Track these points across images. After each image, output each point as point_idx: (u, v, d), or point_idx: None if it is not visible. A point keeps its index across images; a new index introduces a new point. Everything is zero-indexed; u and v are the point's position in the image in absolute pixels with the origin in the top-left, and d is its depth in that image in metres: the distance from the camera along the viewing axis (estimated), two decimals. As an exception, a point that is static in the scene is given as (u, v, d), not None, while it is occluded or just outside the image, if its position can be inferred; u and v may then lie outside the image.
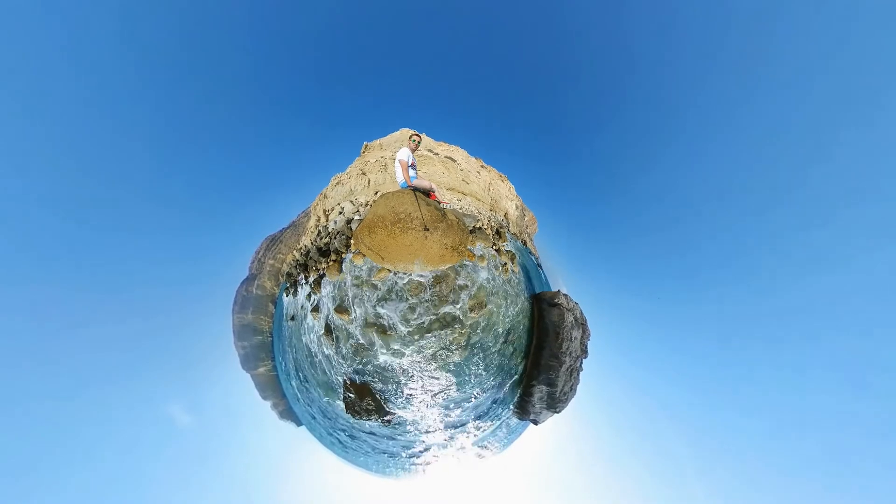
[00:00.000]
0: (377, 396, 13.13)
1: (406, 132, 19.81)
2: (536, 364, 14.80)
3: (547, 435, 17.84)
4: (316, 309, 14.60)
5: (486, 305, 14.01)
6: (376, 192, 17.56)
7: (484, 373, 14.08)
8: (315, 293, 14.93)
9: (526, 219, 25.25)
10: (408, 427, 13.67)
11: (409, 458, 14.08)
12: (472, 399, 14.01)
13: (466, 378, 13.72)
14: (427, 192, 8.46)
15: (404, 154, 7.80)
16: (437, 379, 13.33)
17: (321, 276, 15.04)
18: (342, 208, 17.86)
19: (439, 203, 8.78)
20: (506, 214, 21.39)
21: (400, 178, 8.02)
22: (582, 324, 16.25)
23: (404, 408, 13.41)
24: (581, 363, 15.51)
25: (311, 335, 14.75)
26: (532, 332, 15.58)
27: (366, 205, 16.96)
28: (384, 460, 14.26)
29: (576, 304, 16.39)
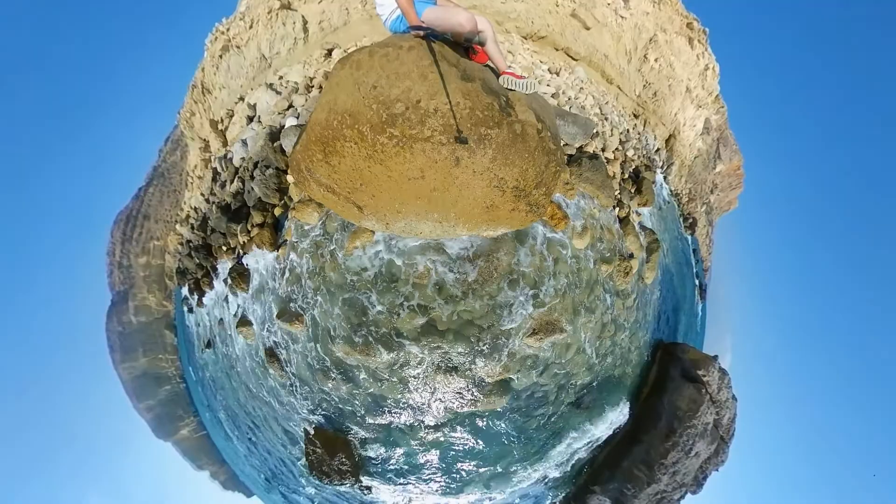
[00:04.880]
0: (353, 452, 9.24)
1: None
2: (613, 463, 10.36)
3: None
4: (245, 322, 9.50)
5: (562, 329, 8.49)
6: (329, 52, 9.30)
7: (519, 445, 9.29)
8: (237, 292, 9.46)
9: (719, 169, 12.82)
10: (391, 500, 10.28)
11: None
12: (492, 481, 9.67)
13: (489, 446, 9.25)
14: (466, 44, 3.47)
15: None
16: (444, 436, 9.03)
17: (240, 261, 9.36)
18: (252, 106, 9.59)
19: (497, 74, 3.46)
20: (671, 139, 10.58)
21: (388, 5, 3.25)
22: (721, 436, 10.70)
23: (389, 474, 9.58)
24: (682, 497, 10.74)
25: (246, 364, 10.06)
26: (631, 405, 10.32)
27: (308, 87, 9.11)
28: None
29: (733, 397, 10.15)
